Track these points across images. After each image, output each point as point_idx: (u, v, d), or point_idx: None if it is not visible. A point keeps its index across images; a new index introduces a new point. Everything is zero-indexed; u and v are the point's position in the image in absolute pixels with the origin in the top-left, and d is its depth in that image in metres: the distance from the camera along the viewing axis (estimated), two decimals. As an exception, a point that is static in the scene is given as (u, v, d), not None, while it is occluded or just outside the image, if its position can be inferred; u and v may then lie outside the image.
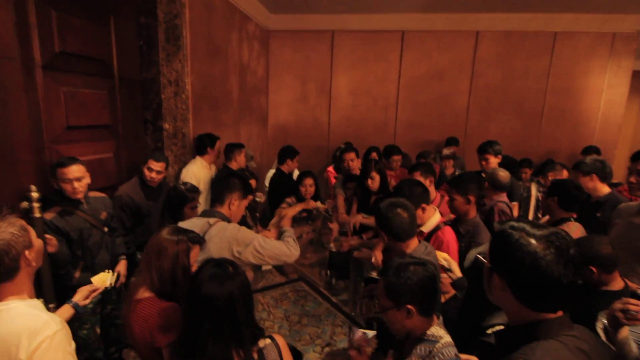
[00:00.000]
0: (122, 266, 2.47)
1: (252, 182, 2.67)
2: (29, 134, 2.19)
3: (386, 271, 1.32)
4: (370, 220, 2.76)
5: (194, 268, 1.49)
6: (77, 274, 2.23)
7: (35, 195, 1.83)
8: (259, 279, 2.78)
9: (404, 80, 5.27)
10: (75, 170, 2.10)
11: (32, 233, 1.24)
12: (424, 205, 2.05)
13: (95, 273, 2.17)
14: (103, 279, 1.82)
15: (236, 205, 2.02)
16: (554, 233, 0.91)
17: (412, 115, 5.38)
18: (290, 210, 3.01)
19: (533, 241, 0.90)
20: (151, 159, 2.72)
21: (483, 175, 2.96)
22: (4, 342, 1.06)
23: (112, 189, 2.81)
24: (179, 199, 2.34)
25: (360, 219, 2.84)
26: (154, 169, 2.71)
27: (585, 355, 0.90)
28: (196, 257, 1.50)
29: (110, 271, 1.89)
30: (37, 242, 1.24)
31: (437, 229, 2.08)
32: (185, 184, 2.45)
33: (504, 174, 2.74)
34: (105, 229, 2.38)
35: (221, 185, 2.04)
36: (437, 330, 1.29)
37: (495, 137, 5.23)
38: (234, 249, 1.80)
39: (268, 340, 1.23)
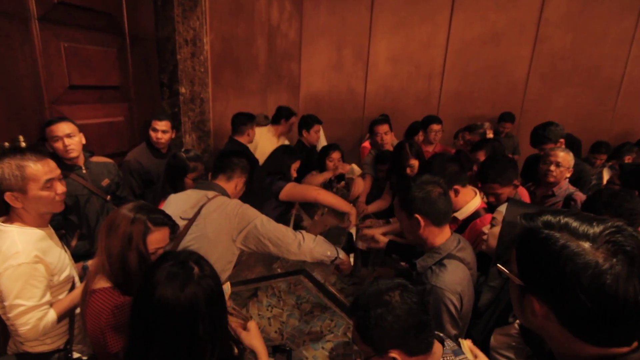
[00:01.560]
0: None
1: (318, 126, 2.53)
2: (27, 93, 2.05)
3: (355, 304, 0.99)
4: (393, 227, 2.30)
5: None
6: (74, 242, 2.11)
7: (23, 145, 1.75)
8: (271, 262, 2.51)
9: (452, 45, 4.65)
10: (64, 127, 1.97)
11: (33, 182, 1.33)
12: (457, 186, 1.64)
13: (93, 242, 2.04)
14: None
15: (240, 187, 1.86)
16: (616, 229, 0.61)
17: (460, 85, 4.76)
18: (316, 177, 2.75)
19: (587, 245, 0.60)
20: (154, 119, 2.59)
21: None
22: None
23: (124, 155, 2.67)
24: (179, 169, 2.12)
25: (377, 232, 2.36)
26: (159, 129, 2.58)
27: None
28: (160, 244, 1.22)
29: None
30: (35, 192, 1.34)
31: (475, 216, 1.68)
32: (187, 151, 2.22)
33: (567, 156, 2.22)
34: (108, 197, 2.23)
35: (236, 160, 1.84)
36: None
37: (559, 113, 4.54)
38: (235, 228, 1.56)
39: None
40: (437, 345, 0.99)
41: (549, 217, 0.66)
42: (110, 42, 2.53)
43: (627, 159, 3.15)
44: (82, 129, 2.30)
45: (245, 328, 1.23)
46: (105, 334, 1.10)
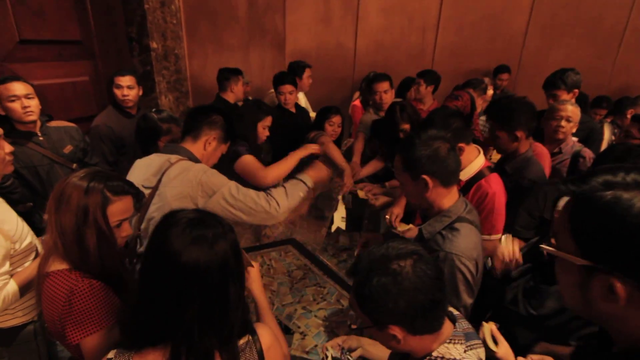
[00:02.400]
0: None
1: (269, 119, 2.14)
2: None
3: (355, 267, 0.84)
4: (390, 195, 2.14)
5: (123, 232, 1.07)
6: (45, 216, 1.93)
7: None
8: (260, 229, 2.38)
9: (448, -6, 4.32)
10: (21, 87, 1.74)
11: None
12: (461, 144, 1.48)
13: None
14: None
15: (213, 146, 1.59)
16: None
17: (456, 39, 4.48)
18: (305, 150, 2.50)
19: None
20: (115, 75, 2.28)
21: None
22: None
23: (91, 120, 2.43)
24: (151, 131, 1.89)
25: (374, 189, 2.20)
26: (123, 85, 2.29)
27: None
28: (123, 215, 1.05)
29: None
30: None
31: (479, 176, 1.53)
32: (159, 111, 1.97)
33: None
34: (74, 166, 2.02)
35: (200, 116, 1.58)
36: (450, 350, 0.83)
37: (558, 66, 4.27)
38: (199, 197, 1.37)
39: (247, 337, 0.88)
40: (447, 324, 0.85)
41: (607, 177, 0.53)
42: (64, -12, 2.22)
43: (630, 113, 3.01)
44: (41, 89, 2.06)
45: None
46: (63, 323, 0.94)
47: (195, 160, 1.50)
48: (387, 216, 1.76)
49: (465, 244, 1.10)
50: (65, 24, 2.22)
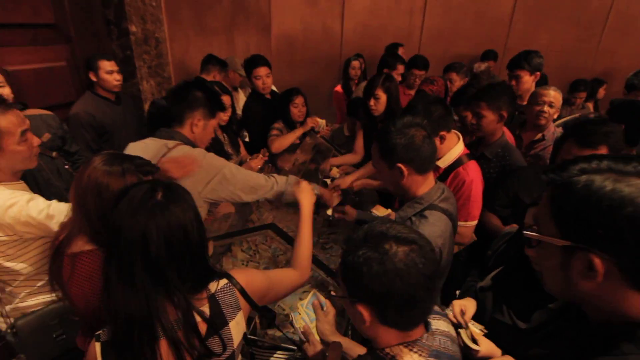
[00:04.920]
0: None
1: (226, 98, 2.14)
2: None
3: (351, 236, 0.81)
4: (365, 171, 2.17)
5: None
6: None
7: None
8: (247, 214, 2.39)
9: (435, -25, 4.27)
10: None
11: (8, 137, 1.27)
12: (443, 132, 1.50)
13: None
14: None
15: (200, 126, 1.57)
16: None
17: (442, 22, 4.46)
18: (286, 138, 2.50)
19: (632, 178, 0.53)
20: (100, 59, 2.26)
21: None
22: None
23: (70, 107, 2.37)
24: (163, 114, 1.92)
25: (350, 179, 2.13)
26: (114, 70, 2.29)
27: None
28: None
29: None
30: (12, 147, 1.28)
31: (457, 164, 1.56)
32: (164, 98, 2.01)
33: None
34: (54, 154, 1.99)
35: (178, 98, 1.56)
36: (405, 356, 0.75)
37: (543, 50, 4.29)
38: (201, 180, 1.41)
39: (224, 281, 0.94)
40: (419, 330, 0.79)
41: (582, 165, 0.58)
42: (35, -33, 2.12)
43: (601, 93, 3.07)
44: (15, 75, 2.00)
45: None
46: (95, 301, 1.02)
47: (191, 144, 1.51)
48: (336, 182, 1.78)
49: (430, 231, 1.12)
50: (37, 6, 2.13)
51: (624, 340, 0.56)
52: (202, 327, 0.87)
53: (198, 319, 0.86)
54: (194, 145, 1.55)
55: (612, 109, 2.14)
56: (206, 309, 0.88)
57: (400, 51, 4.07)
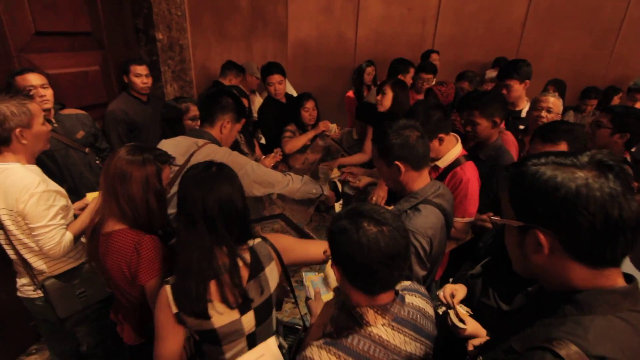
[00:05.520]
0: None
1: (244, 101, 2.31)
2: (-10, 39, 1.92)
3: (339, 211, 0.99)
4: (372, 174, 2.35)
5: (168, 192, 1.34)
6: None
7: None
8: (259, 209, 2.54)
9: (448, -16, 4.37)
10: (36, 77, 1.90)
11: (36, 118, 1.48)
12: (441, 135, 1.62)
13: (80, 196, 2.04)
14: (97, 195, 1.71)
15: (228, 128, 1.79)
16: (597, 152, 0.66)
17: (455, 29, 4.55)
18: (299, 140, 2.67)
19: (575, 169, 0.64)
20: (132, 64, 2.51)
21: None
22: (9, 195, 1.42)
23: (103, 107, 2.59)
24: (175, 113, 2.16)
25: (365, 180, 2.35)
26: (142, 74, 2.54)
27: None
28: (167, 180, 1.30)
29: None
30: (38, 127, 1.49)
31: (455, 164, 1.68)
32: (177, 98, 2.25)
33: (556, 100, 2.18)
34: (87, 150, 2.19)
35: (212, 102, 1.77)
36: (369, 316, 0.89)
37: (555, 58, 4.41)
38: None
39: (259, 239, 1.20)
40: (386, 296, 0.91)
41: (533, 159, 0.70)
42: (75, -18, 2.34)
43: (616, 101, 3.10)
44: (55, 79, 2.21)
45: None
46: (135, 269, 1.19)
47: (217, 143, 1.71)
48: (373, 198, 1.91)
49: (422, 223, 1.25)
50: (76, 16, 2.35)
51: (566, 303, 0.67)
52: (245, 274, 1.12)
53: (241, 264, 1.11)
54: (219, 144, 1.74)
55: (614, 117, 2.21)
56: (247, 256, 1.13)
57: (434, 57, 4.18)
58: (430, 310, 1.02)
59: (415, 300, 0.99)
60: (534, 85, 3.20)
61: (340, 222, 0.88)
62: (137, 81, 2.53)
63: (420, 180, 1.33)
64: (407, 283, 1.05)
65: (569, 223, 0.63)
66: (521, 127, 2.58)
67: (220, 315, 1.09)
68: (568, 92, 4.02)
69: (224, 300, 1.07)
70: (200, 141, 1.69)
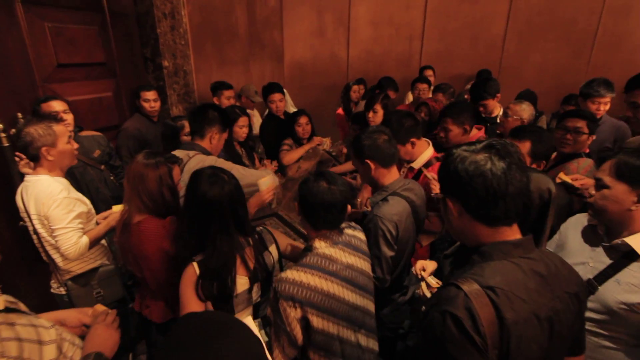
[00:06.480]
0: None
1: (243, 119, 2.56)
2: (19, 73, 2.21)
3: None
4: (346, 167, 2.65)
5: (180, 188, 1.62)
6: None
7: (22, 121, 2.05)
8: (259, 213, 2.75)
9: (431, 4, 4.69)
10: (59, 104, 2.16)
11: (61, 138, 1.72)
12: (413, 139, 1.85)
13: (97, 209, 2.28)
14: (122, 209, 1.96)
15: (217, 139, 2.02)
16: (491, 140, 0.88)
17: (440, 45, 4.85)
18: (296, 152, 2.91)
19: (474, 153, 0.85)
20: (141, 91, 2.78)
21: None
22: (38, 201, 1.66)
23: (115, 129, 2.86)
24: (173, 131, 2.40)
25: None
26: (150, 99, 2.80)
27: (541, 278, 0.84)
28: (178, 177, 1.59)
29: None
30: (62, 146, 1.73)
31: (427, 165, 1.90)
32: (174, 118, 2.50)
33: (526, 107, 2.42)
34: (102, 167, 2.44)
35: (200, 117, 2.01)
36: (316, 243, 1.29)
37: (536, 69, 4.67)
38: None
39: (260, 228, 1.51)
40: (329, 232, 1.29)
41: (454, 149, 0.91)
42: (92, 20, 2.65)
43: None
44: (74, 104, 2.48)
45: None
46: (164, 243, 1.47)
47: (207, 153, 1.93)
48: (358, 199, 2.13)
49: (388, 210, 1.47)
50: (92, 49, 2.66)
51: (475, 254, 0.88)
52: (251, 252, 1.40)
53: (251, 243, 1.40)
54: (209, 154, 1.97)
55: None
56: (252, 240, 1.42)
57: (429, 73, 4.47)
58: (362, 237, 1.40)
59: (351, 232, 1.37)
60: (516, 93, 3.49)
61: (307, 177, 1.27)
62: (146, 105, 2.81)
63: (390, 176, 1.56)
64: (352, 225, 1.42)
65: (465, 192, 0.85)
66: (498, 131, 2.82)
67: (236, 285, 1.33)
68: (550, 100, 4.26)
69: (246, 269, 1.34)
70: (192, 152, 1.93)
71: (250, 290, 1.37)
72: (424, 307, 0.90)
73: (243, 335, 0.66)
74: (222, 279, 1.28)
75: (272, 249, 1.48)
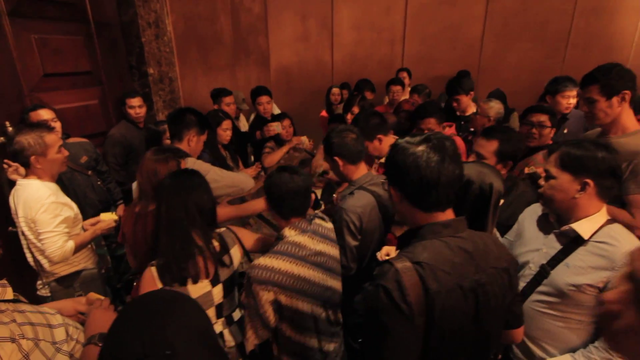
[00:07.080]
0: (120, 209, 2.70)
1: (226, 122, 2.66)
2: (7, 83, 2.29)
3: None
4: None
5: None
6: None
7: (10, 130, 2.14)
8: (245, 218, 2.86)
9: (411, 9, 4.85)
10: (47, 113, 2.23)
11: (51, 148, 1.80)
12: (380, 136, 1.97)
13: (85, 213, 2.37)
14: (110, 217, 2.09)
15: (195, 141, 2.09)
16: (431, 134, 0.97)
17: (421, 48, 5.00)
18: (276, 154, 3.02)
19: (413, 146, 0.94)
20: (126, 98, 2.87)
21: None
22: (26, 204, 1.73)
23: (102, 136, 2.95)
24: (155, 136, 2.50)
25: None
26: (135, 105, 2.88)
27: (467, 255, 0.93)
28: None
29: (114, 213, 2.18)
30: (52, 155, 1.81)
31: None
32: (156, 122, 2.58)
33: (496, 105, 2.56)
34: (90, 172, 2.53)
35: (177, 121, 2.09)
36: (286, 232, 1.37)
37: (513, 69, 4.84)
38: None
39: (223, 228, 1.53)
40: (297, 219, 1.38)
41: (399, 141, 1.01)
42: (77, 30, 2.75)
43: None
44: (61, 113, 2.56)
45: None
46: None
47: (187, 155, 2.01)
48: (334, 195, 2.24)
49: (353, 203, 1.59)
50: (78, 58, 2.75)
51: (413, 237, 0.98)
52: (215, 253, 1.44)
53: (215, 243, 1.43)
54: (187, 156, 2.06)
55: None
56: (216, 241, 1.45)
57: (403, 75, 4.60)
58: (330, 226, 1.50)
59: (319, 221, 1.47)
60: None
61: (271, 172, 1.40)
62: (131, 112, 2.90)
63: (358, 172, 1.67)
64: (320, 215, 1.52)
65: (403, 181, 0.96)
66: (471, 129, 2.95)
67: (196, 287, 1.38)
68: (526, 98, 4.42)
69: (205, 273, 1.38)
70: None
71: (210, 292, 1.41)
72: None
73: (188, 309, 0.71)
74: (182, 279, 1.34)
75: (235, 250, 1.51)
